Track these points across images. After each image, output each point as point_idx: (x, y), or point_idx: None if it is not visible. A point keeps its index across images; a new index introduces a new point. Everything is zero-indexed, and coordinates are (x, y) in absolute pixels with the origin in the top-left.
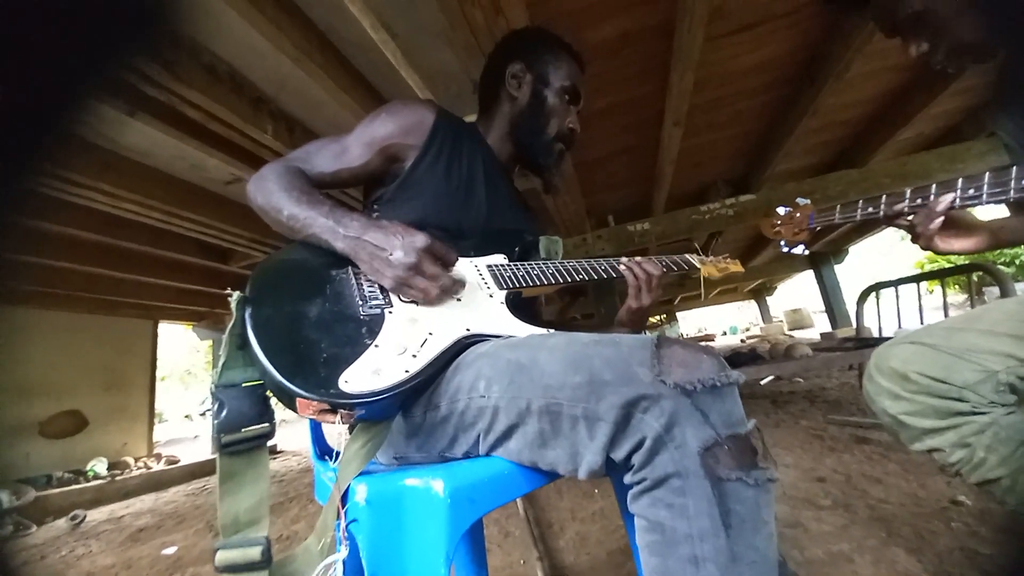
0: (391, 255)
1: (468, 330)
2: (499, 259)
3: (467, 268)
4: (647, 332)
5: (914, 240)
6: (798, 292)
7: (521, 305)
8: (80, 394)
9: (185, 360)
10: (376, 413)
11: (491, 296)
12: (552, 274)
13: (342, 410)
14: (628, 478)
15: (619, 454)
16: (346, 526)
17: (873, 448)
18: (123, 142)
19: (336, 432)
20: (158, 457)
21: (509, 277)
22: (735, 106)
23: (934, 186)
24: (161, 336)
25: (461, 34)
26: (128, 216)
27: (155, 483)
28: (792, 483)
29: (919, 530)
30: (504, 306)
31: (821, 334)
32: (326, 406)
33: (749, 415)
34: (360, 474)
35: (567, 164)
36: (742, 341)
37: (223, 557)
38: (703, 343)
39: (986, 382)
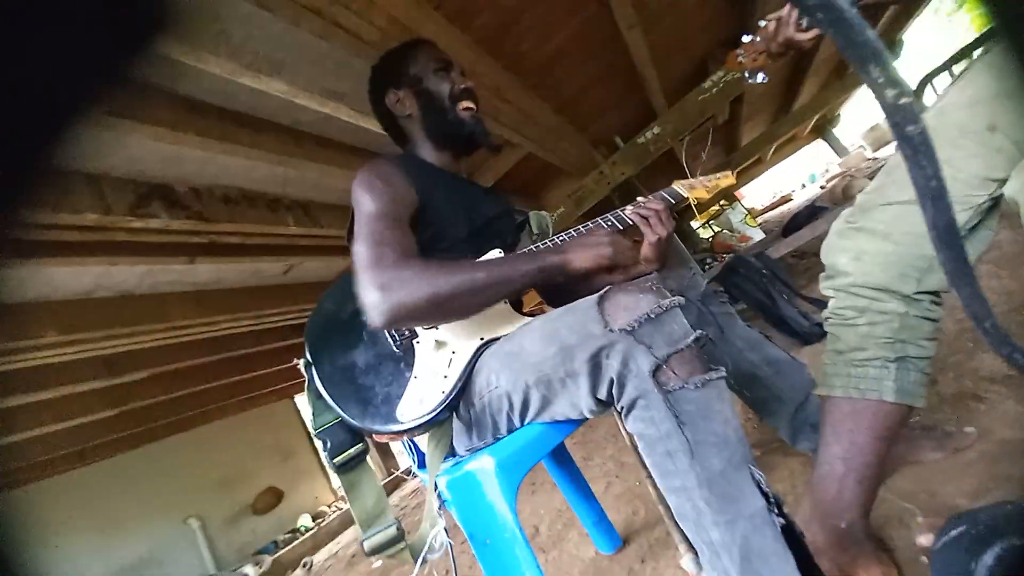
0: (602, 250)
1: (482, 339)
2: (494, 254)
3: None
4: (707, 224)
5: None
6: (867, 108)
7: None
8: (269, 472)
9: None
10: (432, 425)
11: None
12: None
13: (405, 435)
14: (616, 408)
15: (602, 393)
16: (438, 507)
17: None
18: (193, 280)
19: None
20: (343, 499)
21: None
22: None
23: None
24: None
25: None
26: (227, 334)
27: (350, 520)
28: None
29: (1008, 327)
30: (507, 304)
31: None
32: (393, 436)
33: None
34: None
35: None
36: (822, 188)
37: (370, 544)
38: (780, 204)
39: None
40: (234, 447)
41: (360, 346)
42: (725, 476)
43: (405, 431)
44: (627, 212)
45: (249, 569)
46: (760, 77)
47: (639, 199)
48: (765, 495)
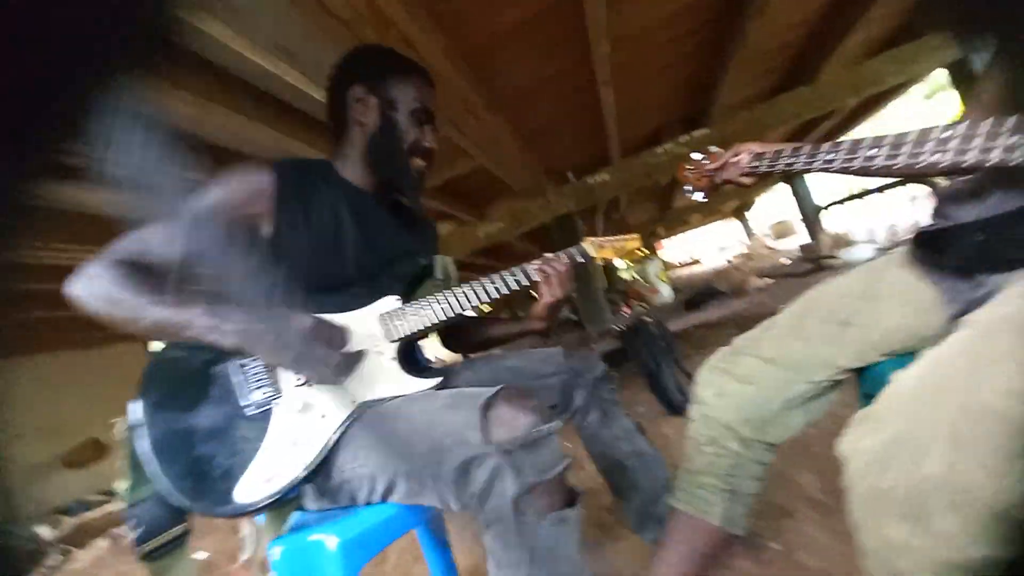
0: (283, 340)
1: (355, 403)
2: (390, 303)
3: (358, 323)
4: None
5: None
6: (781, 203)
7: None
8: (100, 423)
9: None
10: (277, 504)
11: (381, 353)
12: (443, 309)
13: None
14: (477, 520)
15: (464, 502)
16: None
17: None
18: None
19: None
20: None
21: (398, 325)
22: (662, 57)
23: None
24: None
25: None
26: None
27: None
28: None
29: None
30: (395, 362)
31: (800, 246)
32: (229, 517)
33: (719, 343)
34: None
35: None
36: (728, 261)
37: None
38: (690, 265)
39: (786, 405)
40: (65, 387)
41: (207, 405)
42: None
43: (242, 514)
44: (532, 267)
45: (44, 530)
46: (698, 195)
47: (546, 255)
48: None
